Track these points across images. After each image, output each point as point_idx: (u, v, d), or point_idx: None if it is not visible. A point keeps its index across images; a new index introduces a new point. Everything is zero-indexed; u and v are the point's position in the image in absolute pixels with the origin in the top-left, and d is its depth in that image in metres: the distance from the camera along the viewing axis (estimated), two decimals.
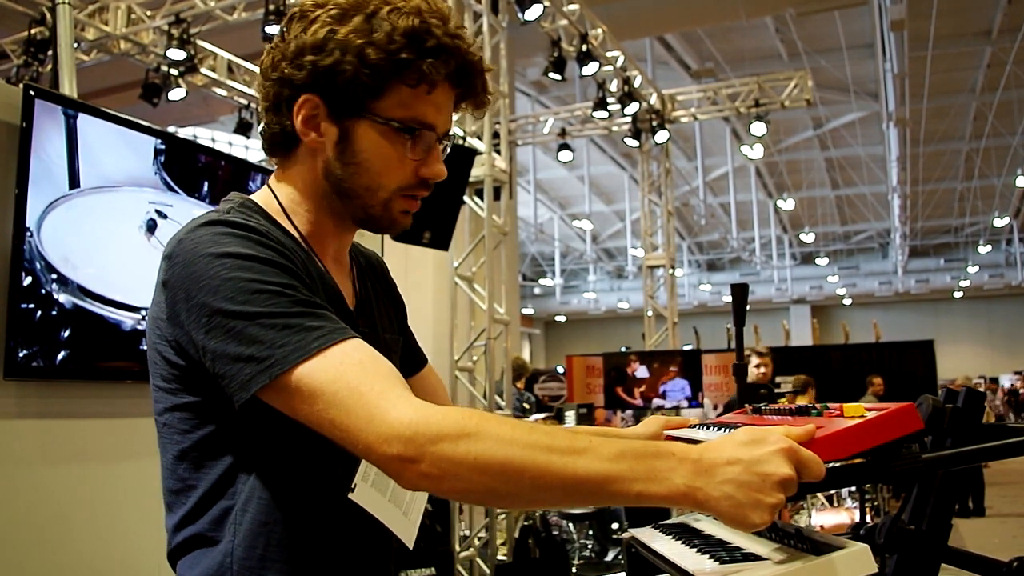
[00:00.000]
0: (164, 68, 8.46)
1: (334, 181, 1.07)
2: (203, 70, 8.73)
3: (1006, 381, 19.63)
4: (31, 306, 2.33)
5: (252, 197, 1.11)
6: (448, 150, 1.12)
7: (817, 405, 1.05)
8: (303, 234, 1.10)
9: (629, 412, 9.09)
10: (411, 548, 1.13)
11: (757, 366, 6.05)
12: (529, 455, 0.84)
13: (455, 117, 1.13)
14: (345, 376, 0.89)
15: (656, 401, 9.06)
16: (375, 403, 0.87)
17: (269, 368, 0.89)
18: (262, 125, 1.12)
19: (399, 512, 1.10)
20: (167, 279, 0.97)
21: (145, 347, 1.05)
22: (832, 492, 5.49)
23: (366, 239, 3.68)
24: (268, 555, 0.98)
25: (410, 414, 0.85)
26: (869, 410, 0.94)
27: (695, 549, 1.08)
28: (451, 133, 1.12)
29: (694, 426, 1.28)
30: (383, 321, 1.22)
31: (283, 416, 0.93)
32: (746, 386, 1.38)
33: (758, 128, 10.25)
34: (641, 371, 9.26)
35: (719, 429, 1.16)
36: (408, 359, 1.30)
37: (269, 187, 1.13)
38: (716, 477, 0.83)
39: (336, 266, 1.15)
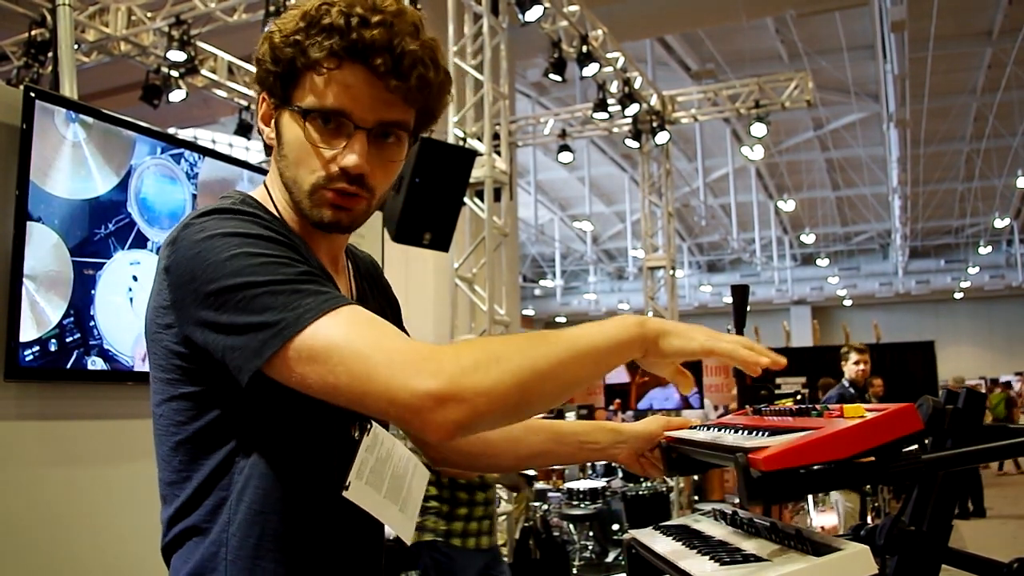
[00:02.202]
0: (164, 70, 8.47)
1: (281, 176, 1.09)
2: (203, 71, 8.74)
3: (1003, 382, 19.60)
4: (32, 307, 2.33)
5: (251, 193, 1.12)
6: (405, 141, 1.08)
7: (817, 406, 1.05)
8: (298, 232, 1.10)
9: (629, 413, 9.08)
10: (409, 544, 1.13)
11: (857, 362, 5.75)
12: (538, 352, 0.91)
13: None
14: (358, 327, 0.89)
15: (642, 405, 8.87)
16: (392, 347, 0.87)
17: (282, 331, 0.89)
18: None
19: (395, 508, 1.11)
20: (169, 264, 0.97)
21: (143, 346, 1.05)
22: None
23: (367, 239, 3.66)
24: (262, 545, 0.99)
25: (432, 353, 0.87)
26: (869, 411, 0.94)
27: (695, 550, 1.08)
28: (389, 122, 1.03)
29: (695, 427, 1.29)
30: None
31: (281, 405, 0.93)
32: (746, 387, 1.38)
33: (758, 129, 10.26)
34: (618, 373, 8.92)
35: (719, 430, 1.16)
36: None
37: (265, 186, 1.14)
38: (656, 320, 1.03)
39: (331, 264, 1.15)
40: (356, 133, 1.01)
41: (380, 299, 1.28)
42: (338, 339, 0.88)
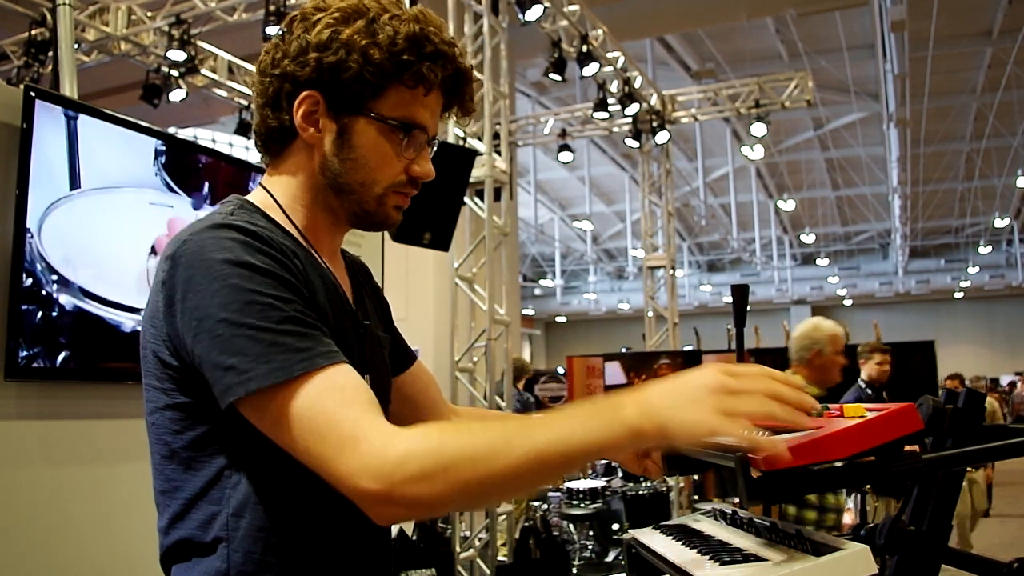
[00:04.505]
0: (164, 69, 8.46)
1: (331, 176, 1.10)
2: (203, 71, 8.72)
3: (1006, 382, 19.56)
4: (32, 307, 2.33)
5: (248, 198, 1.12)
6: (434, 151, 1.17)
7: (817, 405, 1.05)
8: (301, 231, 1.11)
9: None
10: (411, 536, 1.14)
11: (880, 363, 5.76)
12: (496, 464, 0.86)
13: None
14: (322, 403, 0.89)
15: None
16: (348, 433, 0.88)
17: (247, 382, 0.90)
18: (256, 121, 1.14)
19: None
20: (166, 279, 0.98)
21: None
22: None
23: (367, 240, 3.66)
24: (266, 560, 0.98)
25: (384, 448, 0.86)
26: (869, 410, 0.94)
27: (695, 550, 1.08)
28: (437, 137, 1.16)
29: None
30: (374, 319, 1.24)
31: None
32: None
33: (758, 129, 10.24)
34: (615, 375, 8.54)
35: None
36: (398, 357, 1.31)
37: (263, 187, 1.14)
38: (657, 402, 0.88)
39: (333, 262, 1.16)
40: (426, 146, 1.13)
41: (373, 300, 1.29)
42: (300, 411, 0.89)
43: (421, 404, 1.33)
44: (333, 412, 0.89)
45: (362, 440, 0.87)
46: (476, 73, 6.07)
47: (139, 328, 1.07)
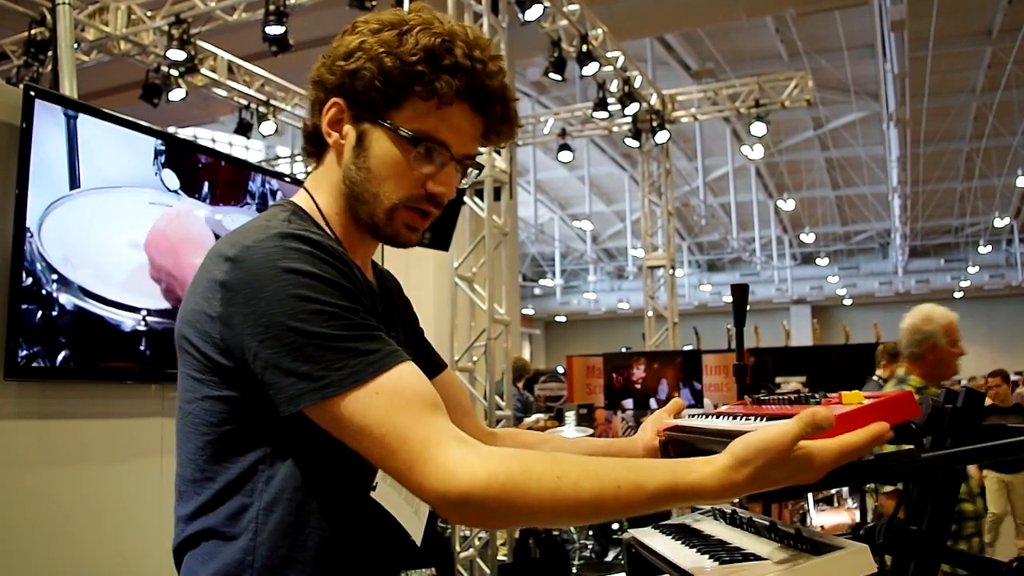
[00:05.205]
0: (164, 68, 8.47)
1: (350, 184, 1.11)
2: (203, 70, 8.73)
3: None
4: (32, 307, 2.33)
5: (298, 202, 1.13)
6: (472, 174, 1.15)
7: (816, 394, 1.05)
8: (339, 239, 1.12)
9: (629, 413, 9.07)
10: (419, 544, 1.14)
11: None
12: (562, 511, 0.90)
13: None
14: (392, 417, 0.92)
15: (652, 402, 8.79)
16: (418, 452, 0.91)
17: (323, 388, 0.92)
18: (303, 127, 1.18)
19: (411, 510, 1.13)
20: (227, 280, 0.98)
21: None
22: (832, 492, 5.47)
23: None
24: (292, 555, 0.99)
25: (443, 482, 0.89)
26: (868, 398, 0.94)
27: (695, 549, 1.08)
28: (475, 159, 1.13)
29: (693, 415, 1.28)
30: (399, 332, 1.25)
31: (317, 426, 0.96)
32: (746, 386, 1.38)
33: (758, 128, 10.24)
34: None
35: (717, 417, 1.16)
36: (424, 366, 1.31)
37: (307, 190, 1.15)
38: (739, 490, 0.89)
39: (365, 270, 1.17)
40: (450, 163, 1.09)
41: (404, 313, 1.31)
42: (372, 426, 0.92)
43: (451, 412, 1.33)
44: (402, 427, 0.92)
45: (428, 462, 0.90)
46: None
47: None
